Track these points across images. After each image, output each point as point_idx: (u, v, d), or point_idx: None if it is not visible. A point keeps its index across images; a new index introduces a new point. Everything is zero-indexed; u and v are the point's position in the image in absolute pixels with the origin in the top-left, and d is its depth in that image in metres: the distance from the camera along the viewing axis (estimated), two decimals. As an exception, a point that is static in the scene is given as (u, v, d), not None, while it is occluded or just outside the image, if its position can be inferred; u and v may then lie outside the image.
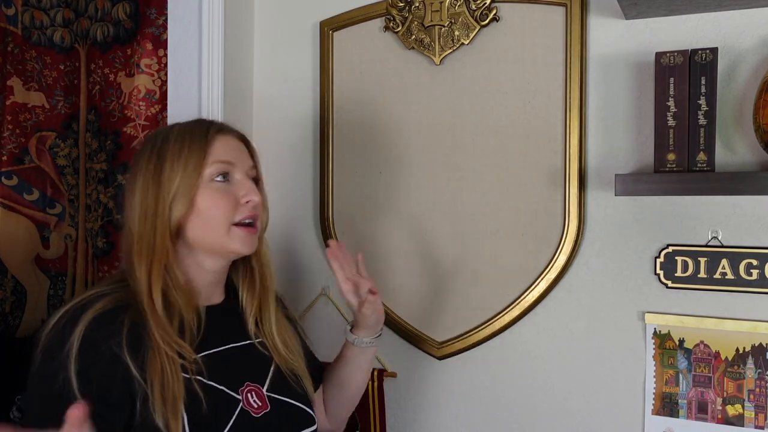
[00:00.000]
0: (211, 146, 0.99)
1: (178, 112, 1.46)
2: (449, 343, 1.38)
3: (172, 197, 0.96)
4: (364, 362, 1.18)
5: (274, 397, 1.01)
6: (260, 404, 0.98)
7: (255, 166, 1.06)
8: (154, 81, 1.70)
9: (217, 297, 1.06)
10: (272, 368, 1.04)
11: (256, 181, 1.05)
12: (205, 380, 0.93)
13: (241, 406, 0.95)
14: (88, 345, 0.86)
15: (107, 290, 0.94)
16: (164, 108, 1.63)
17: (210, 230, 0.98)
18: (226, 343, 1.01)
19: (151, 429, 0.85)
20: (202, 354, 0.96)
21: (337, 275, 1.13)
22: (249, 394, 0.97)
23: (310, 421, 1.05)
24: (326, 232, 1.49)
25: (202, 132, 1.00)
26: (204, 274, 1.02)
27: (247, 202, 1.00)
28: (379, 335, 1.17)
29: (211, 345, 0.98)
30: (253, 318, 1.07)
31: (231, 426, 0.92)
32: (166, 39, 1.50)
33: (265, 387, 1.01)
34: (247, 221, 1.00)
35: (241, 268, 1.09)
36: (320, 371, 1.19)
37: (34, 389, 0.90)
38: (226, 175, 0.99)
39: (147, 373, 0.87)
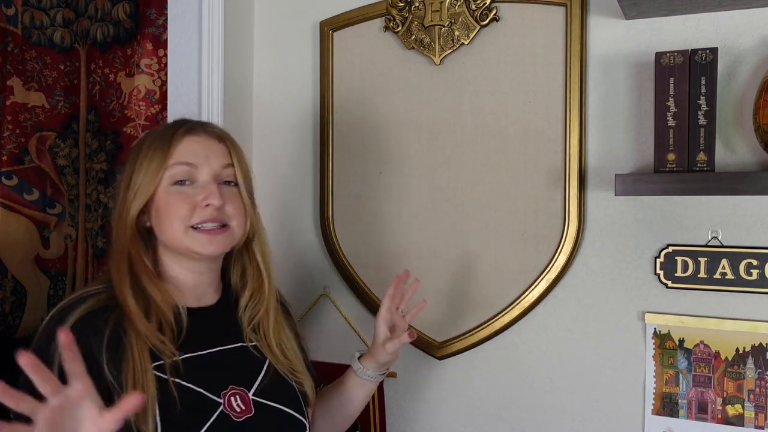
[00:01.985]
0: (174, 148, 0.99)
1: (178, 112, 1.46)
2: (449, 343, 1.38)
3: (133, 195, 0.99)
4: (361, 395, 1.17)
5: (260, 401, 1.00)
6: (243, 408, 0.98)
7: (231, 164, 1.03)
8: (154, 81, 1.70)
9: (209, 298, 1.06)
10: (264, 372, 1.03)
11: (233, 182, 1.03)
12: (183, 382, 0.93)
13: (221, 410, 0.95)
14: None
15: (94, 290, 0.97)
16: (164, 108, 1.63)
17: (168, 231, 0.99)
18: (213, 345, 1.01)
19: (123, 428, 0.83)
20: (185, 356, 0.96)
21: (384, 300, 1.16)
22: (232, 398, 0.97)
23: (300, 427, 1.04)
24: (326, 232, 1.49)
25: (169, 133, 1.01)
26: (187, 274, 1.03)
27: (207, 205, 0.98)
28: (385, 373, 1.17)
29: (196, 347, 0.98)
30: (249, 320, 1.07)
31: (207, 429, 0.92)
32: (166, 39, 1.50)
33: (252, 391, 1.00)
34: (207, 225, 0.98)
35: (238, 269, 1.09)
36: (312, 389, 1.12)
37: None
38: (188, 177, 0.99)
39: (121, 373, 0.88)
